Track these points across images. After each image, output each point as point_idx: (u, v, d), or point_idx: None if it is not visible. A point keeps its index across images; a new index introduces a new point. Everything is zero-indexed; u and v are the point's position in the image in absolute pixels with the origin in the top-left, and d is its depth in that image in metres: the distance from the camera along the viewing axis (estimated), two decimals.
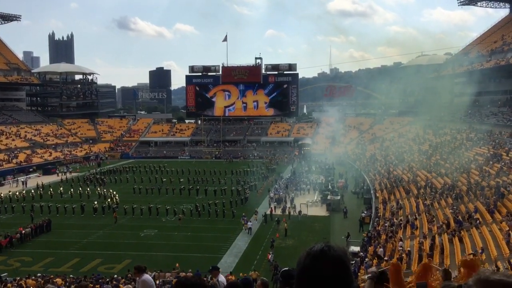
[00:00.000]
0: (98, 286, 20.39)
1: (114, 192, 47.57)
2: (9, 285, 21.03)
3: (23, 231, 33.99)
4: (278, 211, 42.09)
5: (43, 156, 75.42)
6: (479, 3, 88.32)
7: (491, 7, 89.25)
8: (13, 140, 77.85)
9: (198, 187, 52.00)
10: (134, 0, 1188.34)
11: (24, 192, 49.85)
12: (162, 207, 42.15)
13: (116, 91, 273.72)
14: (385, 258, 25.28)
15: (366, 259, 25.73)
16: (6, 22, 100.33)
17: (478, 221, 26.65)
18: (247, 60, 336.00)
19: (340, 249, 1.82)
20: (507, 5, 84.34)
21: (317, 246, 1.81)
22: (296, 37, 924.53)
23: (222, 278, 8.83)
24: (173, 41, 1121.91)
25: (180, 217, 38.95)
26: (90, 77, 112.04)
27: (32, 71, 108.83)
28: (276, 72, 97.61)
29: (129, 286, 14.79)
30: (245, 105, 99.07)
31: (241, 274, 22.98)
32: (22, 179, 59.50)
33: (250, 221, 36.97)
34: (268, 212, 40.51)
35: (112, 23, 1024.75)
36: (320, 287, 1.73)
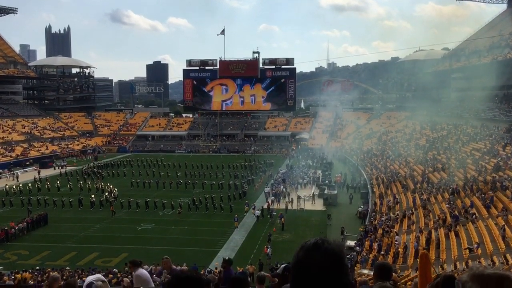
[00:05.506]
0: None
1: (112, 186, 47.47)
2: (5, 278, 21.00)
3: (16, 227, 33.81)
4: (276, 205, 42.04)
5: (40, 150, 75.26)
6: None
7: (488, 2, 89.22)
8: (9, 133, 77.60)
9: (195, 181, 52.02)
10: None
11: (21, 185, 49.72)
12: (160, 201, 42.19)
13: (113, 85, 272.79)
14: (382, 253, 25.44)
15: (363, 253, 25.87)
16: (2, 15, 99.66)
17: (474, 216, 26.78)
18: (242, 53, 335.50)
19: (335, 243, 1.86)
20: (505, 0, 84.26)
21: (312, 240, 1.86)
22: (290, 31, 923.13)
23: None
24: (167, 34, 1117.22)
25: (179, 211, 39.01)
26: (87, 71, 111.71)
27: (29, 64, 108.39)
28: (274, 67, 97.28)
29: (127, 279, 14.79)
30: (242, 99, 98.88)
31: (240, 269, 23.00)
32: (19, 172, 59.34)
33: (259, 210, 38.01)
34: (265, 207, 40.57)
35: (105, 16, 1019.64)
36: (311, 278, 1.76)
